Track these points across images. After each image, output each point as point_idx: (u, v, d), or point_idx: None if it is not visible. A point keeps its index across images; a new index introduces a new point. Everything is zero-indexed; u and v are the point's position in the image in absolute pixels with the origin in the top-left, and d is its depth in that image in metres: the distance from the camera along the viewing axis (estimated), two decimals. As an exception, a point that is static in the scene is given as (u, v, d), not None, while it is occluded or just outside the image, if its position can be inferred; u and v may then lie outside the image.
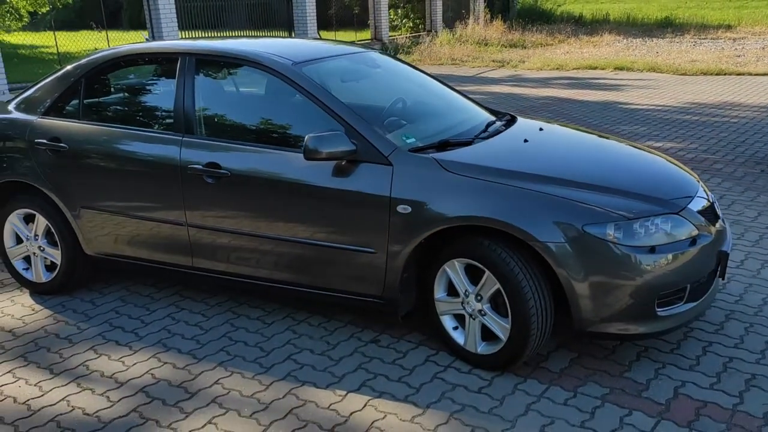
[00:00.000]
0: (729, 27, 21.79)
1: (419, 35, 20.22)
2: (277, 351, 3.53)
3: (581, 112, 9.97)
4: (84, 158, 3.91)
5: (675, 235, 3.10)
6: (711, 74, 13.50)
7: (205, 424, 2.94)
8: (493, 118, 4.12)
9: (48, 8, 24.15)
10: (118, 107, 4.12)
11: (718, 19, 23.37)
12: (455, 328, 3.37)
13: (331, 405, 3.06)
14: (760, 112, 9.53)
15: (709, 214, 3.37)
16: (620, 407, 2.98)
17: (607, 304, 3.02)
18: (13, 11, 22.45)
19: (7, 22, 22.50)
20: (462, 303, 3.28)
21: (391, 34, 20.21)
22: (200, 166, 3.60)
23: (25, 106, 4.19)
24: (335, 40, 5.48)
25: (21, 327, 3.88)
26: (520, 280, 3.03)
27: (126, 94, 4.22)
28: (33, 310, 4.09)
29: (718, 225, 3.39)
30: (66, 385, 3.28)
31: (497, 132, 3.82)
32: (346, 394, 3.13)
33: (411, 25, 23.14)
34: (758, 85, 12.04)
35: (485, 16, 22.55)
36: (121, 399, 3.15)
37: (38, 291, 4.29)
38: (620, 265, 2.97)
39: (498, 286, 3.10)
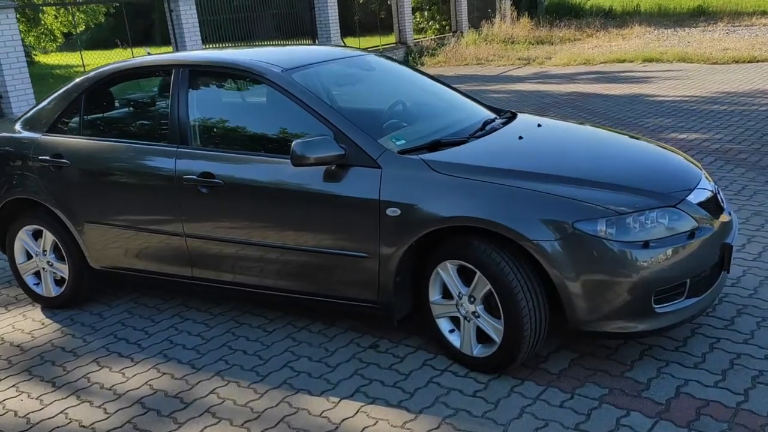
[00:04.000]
0: (765, 13, 21.19)
1: (444, 37, 20.11)
2: (275, 359, 3.52)
3: (606, 107, 9.79)
4: (84, 173, 3.97)
5: (672, 228, 2.99)
6: (743, 62, 13.12)
7: (196, 434, 2.95)
8: (493, 116, 4.05)
9: (82, 28, 24.78)
10: (116, 121, 4.18)
11: (753, 6, 22.74)
12: (451, 331, 3.32)
13: (323, 412, 3.03)
14: (791, 99, 9.23)
15: (712, 205, 3.25)
16: (618, 408, 2.88)
17: (601, 302, 2.93)
18: (47, 32, 23.05)
19: (42, 44, 23.12)
20: (456, 305, 3.23)
21: (415, 37, 20.15)
22: (194, 177, 3.62)
23: (30, 125, 4.27)
24: (335, 45, 5.46)
25: (29, 341, 3.95)
26: (511, 280, 2.96)
27: (123, 108, 4.27)
28: (43, 324, 4.16)
29: (722, 217, 3.27)
30: (66, 398, 3.32)
31: (493, 130, 3.75)
32: (339, 401, 3.10)
33: (437, 26, 23.07)
34: (792, 70, 11.67)
35: (512, 14, 22.34)
36: (117, 411, 3.17)
37: (49, 305, 4.36)
38: (613, 262, 2.89)
39: (489, 287, 3.04)
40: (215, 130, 3.83)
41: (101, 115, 4.20)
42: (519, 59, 16.51)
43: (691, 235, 3.02)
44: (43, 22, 22.36)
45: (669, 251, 2.94)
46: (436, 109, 4.17)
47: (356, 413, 3.00)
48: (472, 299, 3.15)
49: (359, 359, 3.45)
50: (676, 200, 3.08)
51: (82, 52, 15.47)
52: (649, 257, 2.90)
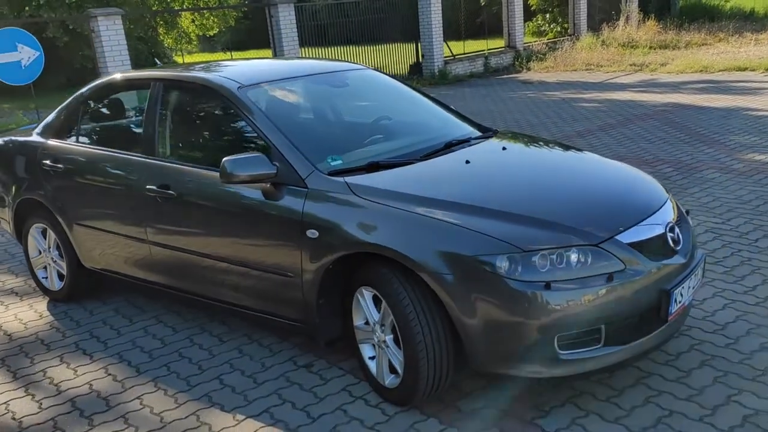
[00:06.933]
0: None
1: (557, 41, 19.43)
2: (212, 370, 3.59)
3: (695, 120, 9.09)
4: (73, 178, 4.24)
5: (587, 269, 2.75)
6: None
7: (99, 438, 3.07)
8: (467, 136, 3.89)
9: (215, 31, 26.23)
10: (103, 131, 4.44)
11: None
12: (371, 358, 3.24)
13: (221, 430, 3.05)
14: None
15: (656, 246, 2.95)
16: (505, 458, 2.70)
17: (500, 343, 2.75)
18: (184, 35, 24.59)
19: (180, 46, 24.72)
20: (373, 332, 3.15)
21: (526, 40, 19.63)
22: (155, 187, 3.76)
23: (42, 131, 4.61)
24: (328, 59, 5.37)
25: (21, 332, 4.27)
26: (409, 312, 2.85)
27: (109, 119, 4.52)
28: (40, 316, 4.48)
29: (671, 259, 2.96)
30: (16, 389, 3.56)
31: (451, 151, 3.62)
32: (243, 420, 3.12)
33: (559, 29, 22.37)
34: None
35: (638, 16, 21.20)
36: (49, 407, 3.37)
37: (53, 298, 4.69)
38: (510, 301, 2.70)
39: (392, 316, 2.94)
40: (176, 142, 3.96)
41: (92, 124, 4.47)
42: (631, 65, 15.68)
43: (610, 278, 2.75)
44: (179, 25, 23.89)
45: (576, 294, 2.70)
46: (408, 127, 4.07)
47: (251, 434, 3.01)
48: (383, 328, 3.06)
49: (287, 378, 3.45)
50: (599, 239, 2.82)
51: (224, 53, 16.23)
52: (550, 299, 2.68)
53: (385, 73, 4.59)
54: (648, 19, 20.67)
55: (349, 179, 3.21)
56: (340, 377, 3.41)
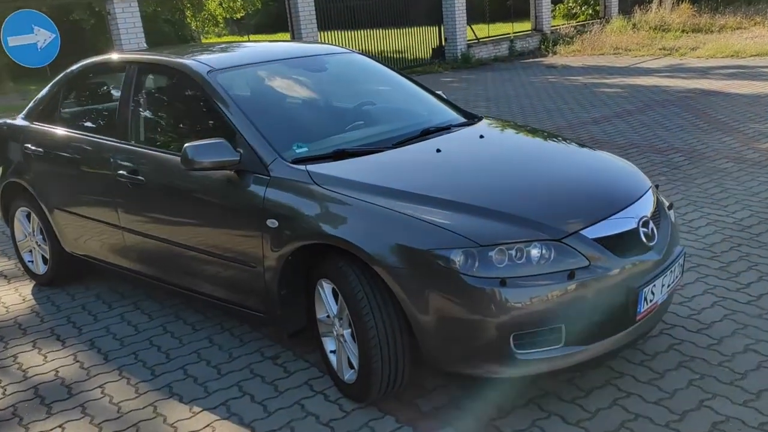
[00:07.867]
0: None
1: (586, 23, 18.97)
2: (179, 359, 3.54)
3: (717, 107, 8.77)
4: (52, 162, 4.21)
5: (548, 265, 2.61)
6: None
7: (53, 428, 3.03)
8: (445, 122, 3.75)
9: (242, 14, 26.22)
10: (79, 114, 4.40)
11: None
12: (332, 352, 3.14)
13: (176, 422, 3.00)
14: None
15: (627, 242, 2.79)
16: (456, 461, 2.59)
17: (454, 340, 2.64)
18: (211, 17, 24.63)
19: (206, 28, 24.78)
20: (332, 326, 3.06)
21: (554, 23, 19.19)
22: (125, 173, 3.70)
23: (27, 114, 4.59)
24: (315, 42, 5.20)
25: (1, 315, 4.26)
26: (363, 306, 2.74)
27: (87, 102, 4.48)
28: (23, 300, 4.48)
29: (643, 256, 2.80)
30: (-16, 374, 3.56)
31: (425, 139, 3.48)
32: (200, 412, 3.05)
33: (591, 12, 21.85)
34: None
35: (672, -1, 20.58)
36: (13, 393, 3.35)
37: (39, 282, 4.69)
38: (465, 298, 2.57)
39: (347, 310, 2.84)
40: (147, 127, 3.89)
41: (71, 107, 4.44)
42: (661, 49, 15.24)
43: (572, 275, 2.61)
44: (206, 8, 23.92)
45: (534, 292, 2.57)
46: (386, 113, 3.94)
47: (204, 427, 2.94)
48: (341, 321, 2.97)
49: (251, 369, 3.38)
50: (562, 233, 2.67)
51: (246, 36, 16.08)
52: (506, 296, 2.55)
53: (373, 57, 4.45)
54: (682, 1, 20.05)
55: (311, 167, 3.10)
56: (304, 370, 3.33)
